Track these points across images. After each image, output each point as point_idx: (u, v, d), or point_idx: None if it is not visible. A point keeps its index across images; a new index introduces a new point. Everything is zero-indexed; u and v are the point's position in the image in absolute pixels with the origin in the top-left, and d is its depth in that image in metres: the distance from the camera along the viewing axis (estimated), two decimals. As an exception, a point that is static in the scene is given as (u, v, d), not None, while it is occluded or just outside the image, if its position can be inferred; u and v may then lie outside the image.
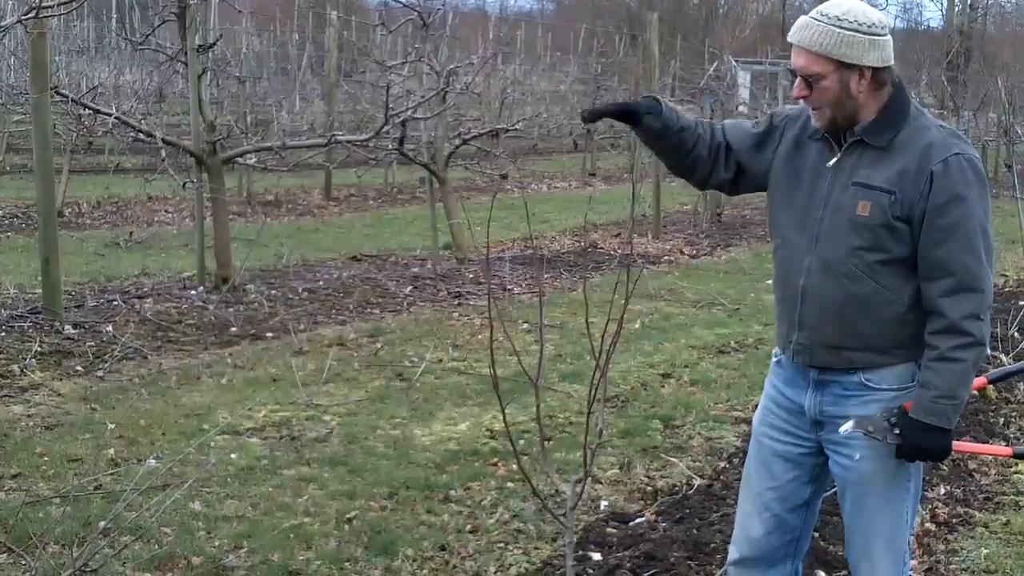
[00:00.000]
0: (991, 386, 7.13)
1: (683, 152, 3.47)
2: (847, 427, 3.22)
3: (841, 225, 3.21)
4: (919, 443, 3.18)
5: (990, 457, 6.19)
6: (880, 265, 3.19)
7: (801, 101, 3.26)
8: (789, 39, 3.24)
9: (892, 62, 3.21)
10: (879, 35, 3.16)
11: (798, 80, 3.22)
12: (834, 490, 3.55)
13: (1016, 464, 6.11)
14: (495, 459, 5.92)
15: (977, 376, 3.43)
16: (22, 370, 7.20)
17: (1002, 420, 6.86)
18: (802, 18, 3.24)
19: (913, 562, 4.76)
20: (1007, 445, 6.14)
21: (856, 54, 3.14)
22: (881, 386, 3.25)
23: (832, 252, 3.23)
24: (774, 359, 3.52)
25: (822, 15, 3.18)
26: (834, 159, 3.27)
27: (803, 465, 3.46)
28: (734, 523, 3.57)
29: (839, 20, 3.14)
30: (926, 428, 3.16)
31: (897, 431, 3.19)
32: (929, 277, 3.16)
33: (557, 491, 5.26)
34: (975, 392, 4.43)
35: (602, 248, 13.53)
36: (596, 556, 4.79)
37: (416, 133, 12.27)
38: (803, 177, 3.33)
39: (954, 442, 3.29)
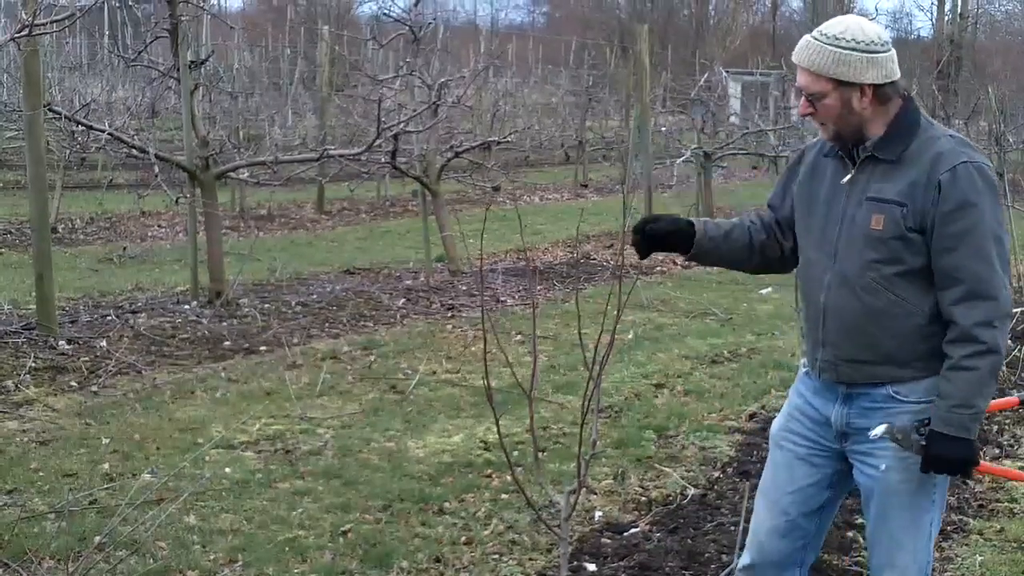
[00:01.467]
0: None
1: (745, 249, 3.55)
2: (877, 431, 3.22)
3: (857, 240, 3.25)
4: (940, 454, 3.18)
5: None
6: (897, 277, 3.21)
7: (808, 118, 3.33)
8: (792, 59, 3.29)
9: (896, 77, 3.24)
10: (878, 52, 3.19)
11: (803, 99, 3.28)
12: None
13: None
14: (489, 471, 5.93)
15: (1006, 396, 3.44)
16: (16, 386, 7.20)
17: (996, 427, 6.87)
18: (804, 38, 3.29)
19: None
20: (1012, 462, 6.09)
21: (853, 72, 3.18)
22: (910, 399, 3.27)
23: (850, 267, 3.26)
24: (802, 369, 3.55)
25: (821, 35, 3.23)
26: (848, 176, 3.31)
27: (823, 470, 3.48)
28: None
29: (837, 39, 3.19)
30: (945, 439, 3.16)
31: (923, 442, 3.20)
32: (942, 286, 3.18)
33: (551, 502, 5.27)
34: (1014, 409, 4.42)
35: (595, 259, 13.56)
36: (591, 567, 4.80)
37: (408, 146, 12.29)
38: (820, 196, 3.38)
39: (982, 462, 3.29)
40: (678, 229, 3.49)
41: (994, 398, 3.35)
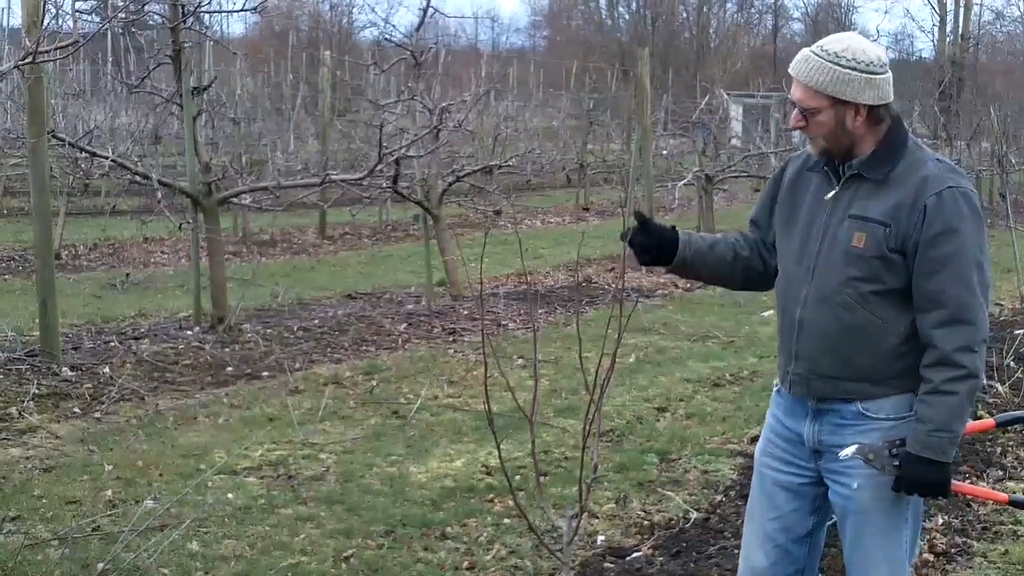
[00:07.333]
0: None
1: (728, 265, 3.55)
2: (848, 451, 3.24)
3: (837, 256, 3.26)
4: (916, 476, 3.19)
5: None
6: (875, 296, 3.22)
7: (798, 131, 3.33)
8: (789, 71, 3.28)
9: (890, 99, 3.25)
10: (876, 73, 3.20)
11: (795, 111, 3.28)
12: (835, 521, 3.56)
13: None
14: (491, 495, 5.93)
15: (981, 418, 3.45)
16: (20, 412, 7.21)
17: (999, 450, 6.85)
18: (803, 51, 3.28)
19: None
20: (1005, 492, 6.05)
21: (852, 92, 3.19)
22: (879, 415, 3.28)
23: (828, 283, 3.27)
24: (775, 389, 3.56)
25: (822, 50, 3.22)
26: (832, 192, 3.32)
27: (805, 495, 3.48)
28: (732, 556, 3.61)
29: (837, 57, 3.19)
30: (922, 461, 3.17)
31: (896, 462, 3.21)
32: (923, 309, 3.19)
33: (553, 526, 5.27)
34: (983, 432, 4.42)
35: (596, 283, 13.56)
36: (593, 591, 4.80)
37: (410, 171, 12.32)
38: (801, 210, 3.39)
39: (954, 482, 3.29)
40: (663, 241, 3.47)
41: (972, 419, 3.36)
